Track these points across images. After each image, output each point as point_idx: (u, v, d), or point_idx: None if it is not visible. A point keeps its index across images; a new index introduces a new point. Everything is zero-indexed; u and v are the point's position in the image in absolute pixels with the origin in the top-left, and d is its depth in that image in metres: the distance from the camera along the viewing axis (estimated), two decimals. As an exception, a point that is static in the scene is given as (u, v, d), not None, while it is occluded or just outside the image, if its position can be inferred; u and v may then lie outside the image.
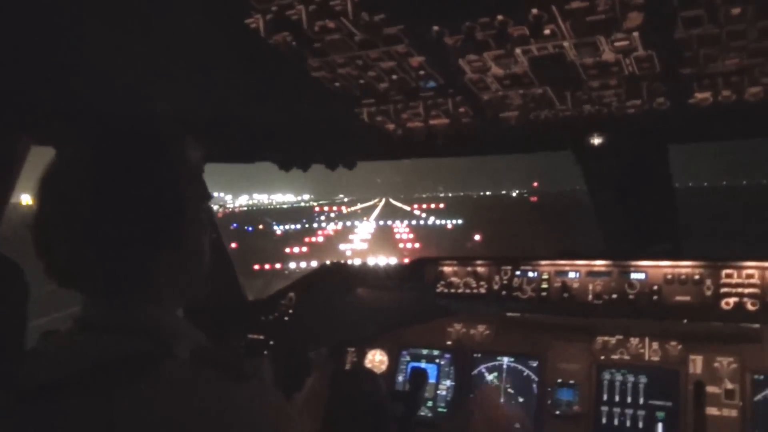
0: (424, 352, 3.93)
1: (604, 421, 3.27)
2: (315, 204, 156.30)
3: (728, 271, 3.12)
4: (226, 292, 4.08)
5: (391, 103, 2.63)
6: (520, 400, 3.54)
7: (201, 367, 1.42)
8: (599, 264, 3.42)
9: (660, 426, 3.15)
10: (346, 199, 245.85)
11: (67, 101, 2.62)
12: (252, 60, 2.24)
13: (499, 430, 3.18)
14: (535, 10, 1.79)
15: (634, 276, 3.31)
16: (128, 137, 1.54)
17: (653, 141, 3.02)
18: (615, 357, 3.39)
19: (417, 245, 45.98)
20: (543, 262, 3.57)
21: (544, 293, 3.50)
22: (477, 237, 44.54)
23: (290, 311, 3.91)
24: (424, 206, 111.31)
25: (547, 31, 1.91)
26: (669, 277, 3.23)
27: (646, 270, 3.30)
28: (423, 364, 3.87)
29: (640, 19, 1.82)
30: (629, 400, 3.27)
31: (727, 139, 2.89)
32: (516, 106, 2.59)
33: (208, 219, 1.72)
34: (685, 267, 3.22)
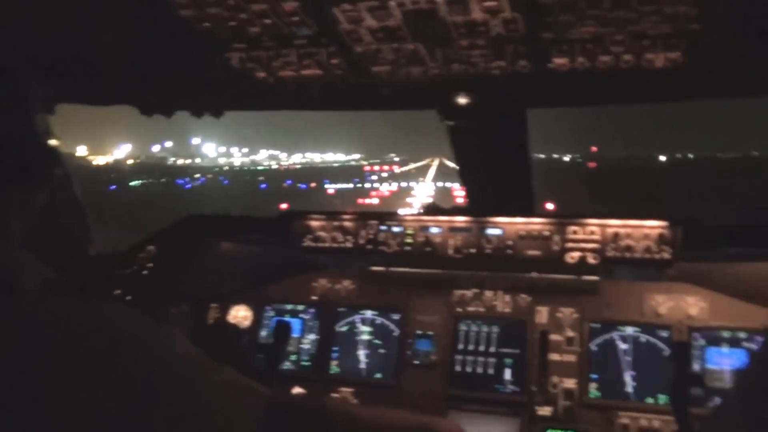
0: (289, 307, 3.92)
1: (458, 368, 3.46)
2: (365, 163, 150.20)
3: (573, 227, 3.39)
4: (66, 241, 3.74)
5: (262, 50, 2.55)
6: (382, 351, 3.66)
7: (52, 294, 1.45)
8: (460, 220, 3.59)
9: (508, 371, 3.39)
10: (396, 159, 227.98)
11: None
12: None
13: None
14: None
15: (491, 232, 3.51)
16: None
17: (514, 103, 3.19)
18: (471, 309, 3.58)
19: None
20: (408, 218, 3.68)
21: (408, 247, 3.62)
22: (551, 206, 39.05)
23: (149, 265, 3.73)
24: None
25: None
26: (522, 233, 3.46)
27: (502, 226, 3.50)
28: (287, 319, 3.87)
29: None
30: (482, 348, 3.48)
31: (580, 105, 3.10)
32: (388, 61, 2.61)
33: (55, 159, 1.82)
34: (536, 224, 3.45)
